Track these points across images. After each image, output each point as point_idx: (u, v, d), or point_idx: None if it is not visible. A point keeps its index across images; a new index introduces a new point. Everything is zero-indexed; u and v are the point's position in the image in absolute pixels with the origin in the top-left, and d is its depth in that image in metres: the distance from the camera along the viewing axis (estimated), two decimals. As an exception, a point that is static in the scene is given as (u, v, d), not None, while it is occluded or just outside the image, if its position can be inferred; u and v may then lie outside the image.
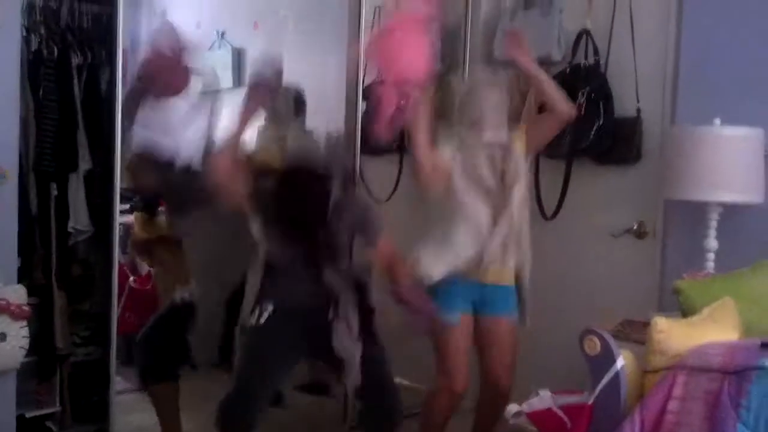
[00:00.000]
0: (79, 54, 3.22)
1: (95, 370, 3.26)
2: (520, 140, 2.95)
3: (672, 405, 2.11)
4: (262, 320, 2.68)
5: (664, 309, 2.81)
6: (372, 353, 2.71)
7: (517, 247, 2.90)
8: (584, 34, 3.49)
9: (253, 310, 2.70)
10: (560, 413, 2.34)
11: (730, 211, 2.87)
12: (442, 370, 2.95)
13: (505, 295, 2.93)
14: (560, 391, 2.44)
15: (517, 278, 2.95)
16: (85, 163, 3.22)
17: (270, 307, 2.69)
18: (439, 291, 2.84)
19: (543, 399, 2.42)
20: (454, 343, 2.91)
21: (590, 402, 2.28)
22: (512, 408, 2.43)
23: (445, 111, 3.11)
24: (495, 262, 2.87)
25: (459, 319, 2.90)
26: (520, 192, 2.88)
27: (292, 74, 4.27)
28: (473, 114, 2.93)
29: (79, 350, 3.32)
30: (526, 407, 2.40)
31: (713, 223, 2.86)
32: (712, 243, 2.86)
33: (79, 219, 3.22)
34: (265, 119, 3.89)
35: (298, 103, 3.94)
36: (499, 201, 2.87)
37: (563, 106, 2.92)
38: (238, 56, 5.19)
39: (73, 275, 3.31)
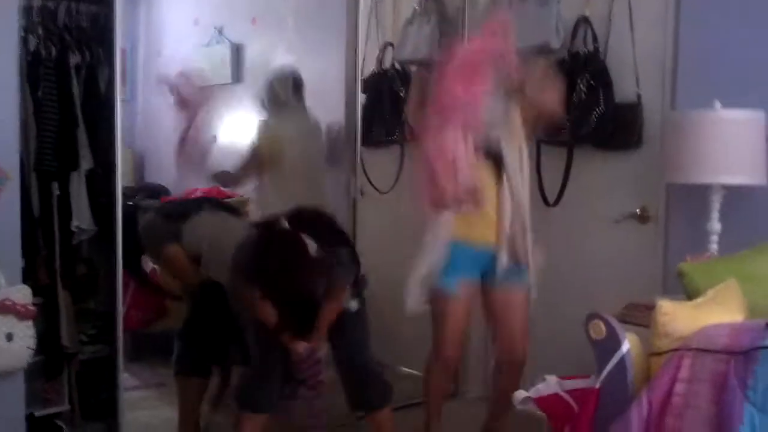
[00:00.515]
0: (77, 53, 3.23)
1: (103, 367, 3.27)
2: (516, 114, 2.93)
3: (679, 387, 2.10)
4: None
5: (668, 292, 2.81)
6: (350, 341, 2.82)
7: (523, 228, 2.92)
8: (583, 21, 3.49)
9: None
10: (567, 397, 2.34)
11: (732, 193, 2.86)
12: (435, 336, 3.00)
13: (516, 265, 2.94)
14: (566, 377, 2.44)
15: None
16: (86, 162, 3.23)
17: None
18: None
19: (549, 384, 2.41)
20: (447, 311, 2.93)
21: (597, 386, 2.28)
22: (519, 394, 2.43)
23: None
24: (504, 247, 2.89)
25: (458, 286, 2.91)
26: (514, 166, 2.88)
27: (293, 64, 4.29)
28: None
29: (86, 348, 3.34)
30: (533, 393, 2.40)
31: (716, 206, 2.86)
32: (715, 226, 2.86)
33: (82, 218, 3.24)
34: (266, 107, 3.91)
35: (297, 85, 3.96)
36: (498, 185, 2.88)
37: (551, 107, 2.91)
38: (237, 52, 5.20)
39: (78, 274, 3.33)
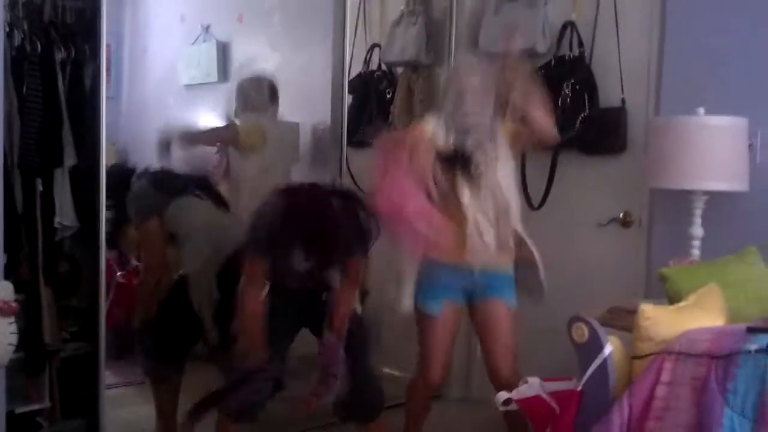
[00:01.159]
0: (62, 49, 3.21)
1: (84, 365, 3.25)
2: (506, 130, 2.88)
3: (660, 390, 2.13)
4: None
5: (651, 296, 2.84)
6: (355, 345, 2.78)
7: (503, 232, 2.85)
8: (569, 25, 3.52)
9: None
10: (549, 400, 2.36)
11: (715, 199, 2.89)
12: (421, 358, 2.96)
13: (499, 281, 2.87)
14: (549, 378, 2.45)
15: (518, 260, 2.90)
16: (70, 159, 3.21)
17: (266, 285, 2.72)
18: (422, 280, 2.83)
19: (532, 386, 2.42)
20: (432, 334, 2.89)
21: (579, 388, 2.30)
22: (501, 395, 2.44)
23: (432, 100, 3.11)
24: (478, 251, 2.83)
25: (440, 309, 2.86)
26: (494, 178, 2.82)
27: (278, 67, 4.28)
28: (455, 98, 2.89)
29: (67, 345, 3.31)
30: (515, 394, 2.41)
31: (698, 212, 2.89)
32: (698, 231, 2.89)
33: (65, 214, 3.21)
34: (242, 108, 3.90)
35: (272, 92, 3.93)
36: (472, 189, 2.83)
37: (550, 135, 2.85)
38: (223, 50, 5.18)
39: (60, 271, 3.30)
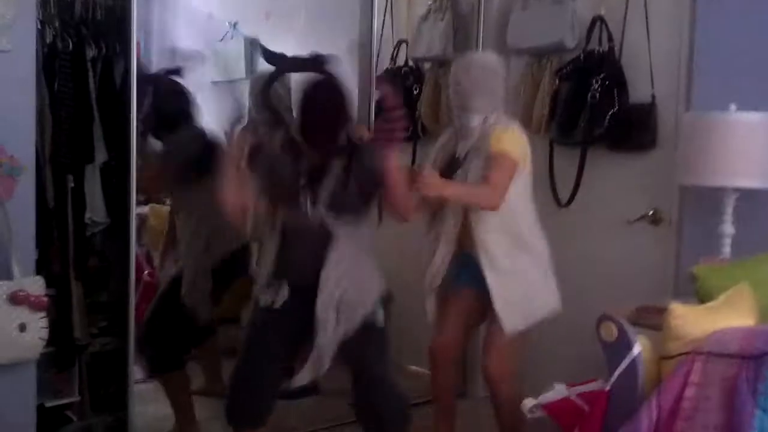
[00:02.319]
0: (93, 46, 3.23)
1: (113, 360, 3.29)
2: (502, 138, 2.86)
3: (689, 391, 2.11)
4: (278, 304, 2.68)
5: (681, 295, 2.80)
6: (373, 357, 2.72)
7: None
8: (598, 20, 3.48)
9: (268, 287, 2.71)
10: (577, 400, 2.34)
11: (746, 196, 2.85)
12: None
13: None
14: (573, 383, 2.44)
15: None
16: (101, 155, 3.24)
17: (286, 291, 2.68)
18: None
19: (558, 391, 2.42)
20: (445, 306, 3.01)
21: (607, 388, 2.28)
22: (528, 402, 2.43)
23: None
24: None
25: (458, 288, 2.99)
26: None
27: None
28: (451, 97, 2.99)
29: (97, 341, 3.35)
30: (541, 400, 2.40)
31: (729, 209, 2.85)
32: (729, 229, 2.85)
33: (96, 210, 3.25)
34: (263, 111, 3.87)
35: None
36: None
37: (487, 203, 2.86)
38: (251, 47, 5.20)
39: (90, 266, 3.34)
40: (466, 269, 2.97)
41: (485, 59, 3.08)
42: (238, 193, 2.62)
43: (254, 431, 2.77)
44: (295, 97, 2.74)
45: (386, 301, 2.78)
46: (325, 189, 2.60)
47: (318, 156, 2.63)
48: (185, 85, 3.60)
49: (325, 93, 2.62)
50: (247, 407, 2.73)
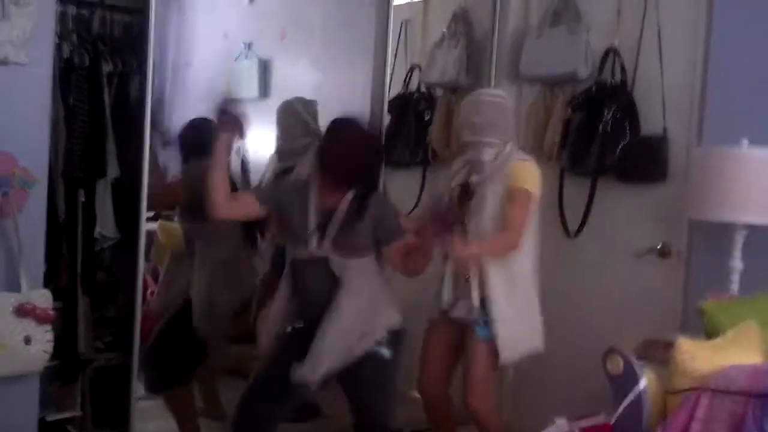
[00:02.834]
0: (110, 62, 3.26)
1: (117, 375, 3.28)
2: (521, 174, 2.94)
3: (695, 427, 2.10)
4: (288, 332, 2.76)
5: (687, 330, 2.79)
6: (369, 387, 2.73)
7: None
8: (611, 51, 3.49)
9: (281, 318, 2.80)
10: (581, 433, 2.33)
11: (755, 232, 2.84)
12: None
13: (477, 315, 2.93)
14: (578, 417, 2.43)
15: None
16: (113, 171, 3.25)
17: (299, 321, 2.76)
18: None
19: (560, 427, 2.41)
20: (424, 341, 3.04)
21: (612, 422, 2.27)
22: None
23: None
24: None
25: (434, 321, 3.02)
26: (479, 218, 2.92)
27: (318, 85, 4.31)
28: (462, 132, 3.04)
29: (101, 355, 3.34)
30: (544, 437, 2.40)
31: (738, 245, 2.84)
32: (737, 264, 2.84)
33: (106, 225, 3.26)
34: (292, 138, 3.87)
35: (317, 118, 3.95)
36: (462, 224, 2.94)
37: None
38: (265, 67, 5.24)
39: (98, 281, 3.34)
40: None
41: (494, 95, 3.15)
42: (225, 195, 2.69)
43: None
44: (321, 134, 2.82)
45: (398, 335, 2.76)
46: (334, 229, 2.66)
47: (331, 197, 2.69)
48: None
49: (350, 137, 2.70)
50: (250, 428, 2.75)
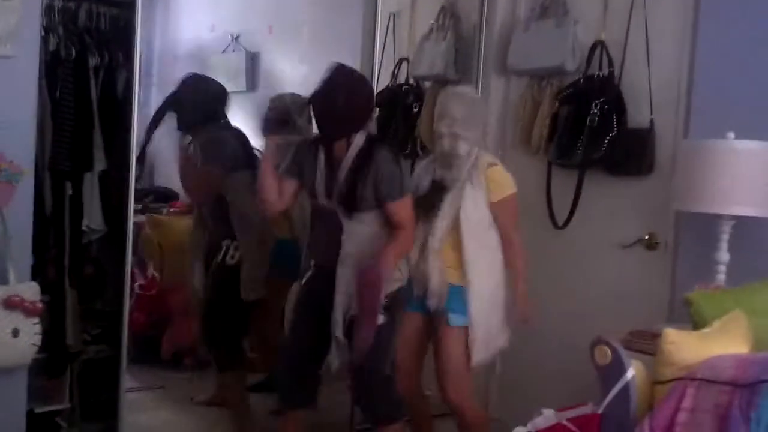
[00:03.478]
0: (96, 55, 3.24)
1: (105, 368, 3.28)
2: (498, 180, 3.00)
3: (681, 417, 2.11)
4: (305, 281, 2.91)
5: (675, 320, 2.82)
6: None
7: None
8: (599, 45, 3.51)
9: (304, 267, 2.93)
10: (569, 425, 2.34)
11: (741, 224, 2.86)
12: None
13: (453, 308, 2.95)
14: (565, 408, 2.44)
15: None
16: (100, 164, 3.24)
17: (311, 269, 2.89)
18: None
19: (547, 418, 2.42)
20: (399, 337, 3.00)
21: (599, 412, 2.28)
22: (520, 430, 2.43)
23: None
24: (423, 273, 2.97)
25: (405, 317, 2.99)
26: (454, 214, 2.94)
27: (305, 79, 4.31)
28: (435, 124, 3.04)
29: (89, 348, 3.34)
30: (531, 427, 2.40)
31: (725, 236, 2.86)
32: (724, 256, 2.86)
33: (93, 218, 3.25)
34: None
35: (309, 117, 3.94)
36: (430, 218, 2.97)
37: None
38: (252, 60, 5.22)
39: (86, 274, 3.33)
40: (411, 294, 3.00)
41: (472, 91, 3.27)
42: (276, 193, 2.83)
43: (305, 409, 2.94)
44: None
45: (395, 301, 2.82)
46: (338, 184, 2.75)
47: (331, 150, 2.78)
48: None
49: (334, 83, 2.73)
50: (295, 387, 2.91)
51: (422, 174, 3.11)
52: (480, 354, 2.97)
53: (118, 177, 3.18)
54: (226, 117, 3.56)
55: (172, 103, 3.47)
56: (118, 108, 3.23)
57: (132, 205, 3.14)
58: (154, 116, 3.48)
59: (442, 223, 2.96)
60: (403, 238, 2.78)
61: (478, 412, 3.10)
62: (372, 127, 3.65)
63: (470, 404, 3.04)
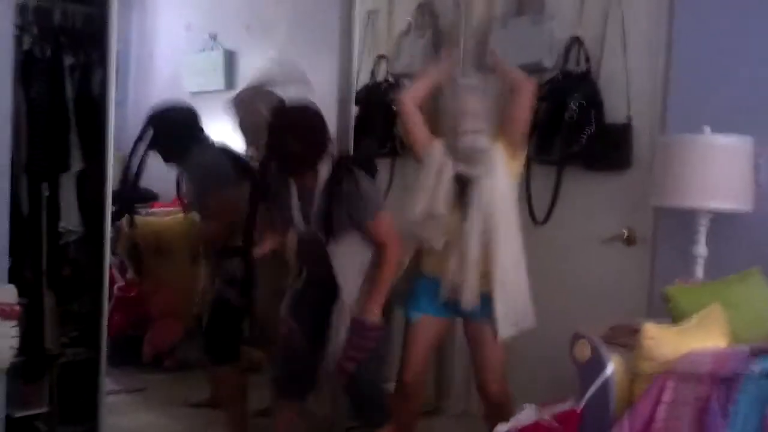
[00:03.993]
0: (71, 54, 3.21)
1: (84, 371, 3.24)
2: (500, 149, 2.93)
3: (661, 411, 2.13)
4: (299, 285, 2.98)
5: (654, 315, 2.83)
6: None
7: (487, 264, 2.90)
8: (575, 41, 3.52)
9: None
10: (549, 422, 2.35)
11: (719, 218, 2.89)
12: (401, 359, 3.07)
13: (483, 302, 2.90)
14: (546, 403, 2.45)
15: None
16: (77, 164, 3.21)
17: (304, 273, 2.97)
18: (413, 289, 3.01)
19: (528, 413, 2.43)
20: (410, 339, 3.02)
21: (580, 408, 2.30)
22: (500, 428, 2.44)
23: (436, 114, 3.14)
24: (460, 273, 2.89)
25: (419, 318, 3.00)
26: (489, 206, 2.88)
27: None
28: (452, 118, 2.94)
29: (68, 351, 3.30)
30: (513, 423, 2.41)
31: (702, 230, 2.88)
32: (702, 250, 2.88)
33: (70, 219, 3.22)
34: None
35: None
36: (463, 215, 2.91)
37: (520, 77, 3.01)
38: (230, 59, 5.20)
39: (63, 275, 3.30)
40: (428, 296, 2.99)
41: (480, 80, 3.13)
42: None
43: (300, 402, 3.03)
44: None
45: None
46: (312, 212, 2.80)
47: (302, 181, 2.81)
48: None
49: (280, 128, 2.76)
50: (293, 379, 2.98)
51: (437, 168, 2.96)
52: (507, 329, 2.91)
53: (96, 177, 3.14)
54: (205, 135, 3.48)
55: (149, 146, 3.39)
56: (95, 107, 3.19)
57: (110, 205, 3.10)
58: (134, 159, 3.38)
59: (476, 222, 2.88)
60: (388, 257, 2.80)
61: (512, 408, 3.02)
62: (350, 129, 3.68)
63: (509, 399, 3.03)
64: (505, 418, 2.93)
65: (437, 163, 2.93)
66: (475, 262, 2.86)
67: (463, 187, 2.91)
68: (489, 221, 2.87)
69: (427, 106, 3.13)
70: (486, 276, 2.88)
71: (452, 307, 2.95)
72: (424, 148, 2.99)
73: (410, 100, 3.02)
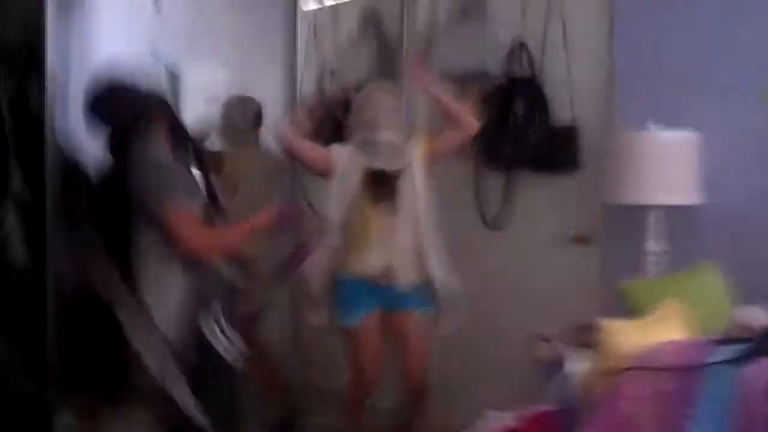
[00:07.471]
0: (6, 72, 3.10)
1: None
2: (420, 147, 3.13)
3: (624, 406, 2.12)
4: None
5: (611, 312, 2.83)
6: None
7: (420, 254, 3.05)
8: (519, 45, 3.53)
9: None
10: (513, 424, 2.34)
11: (668, 213, 2.92)
12: (352, 365, 3.13)
13: (411, 293, 3.05)
14: (509, 407, 2.44)
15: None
16: (18, 189, 3.09)
17: None
18: (340, 295, 3.06)
19: (492, 418, 2.43)
20: (359, 341, 3.07)
21: (544, 408, 2.29)
22: None
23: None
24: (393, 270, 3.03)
25: (362, 320, 3.06)
26: (410, 199, 3.04)
27: (228, 92, 4.23)
28: (367, 115, 3.10)
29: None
30: (480, 430, 2.40)
31: (653, 226, 2.91)
32: (653, 246, 2.91)
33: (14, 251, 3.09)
34: (222, 134, 3.82)
35: (257, 117, 3.89)
36: (388, 209, 3.04)
37: (469, 121, 3.13)
38: (172, 76, 5.10)
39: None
40: (359, 296, 3.05)
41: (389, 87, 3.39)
42: None
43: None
44: None
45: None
46: None
47: None
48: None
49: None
50: None
51: (348, 161, 3.11)
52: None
53: (37, 202, 3.03)
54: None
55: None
56: (33, 128, 3.09)
57: (51, 231, 2.98)
58: None
59: (405, 215, 3.03)
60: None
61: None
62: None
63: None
64: (426, 407, 3.10)
65: (343, 164, 3.09)
66: (408, 247, 3.01)
67: (382, 181, 3.03)
68: (417, 211, 3.03)
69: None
70: (414, 264, 3.02)
71: (383, 299, 3.04)
72: (325, 160, 3.12)
73: (292, 132, 3.13)
